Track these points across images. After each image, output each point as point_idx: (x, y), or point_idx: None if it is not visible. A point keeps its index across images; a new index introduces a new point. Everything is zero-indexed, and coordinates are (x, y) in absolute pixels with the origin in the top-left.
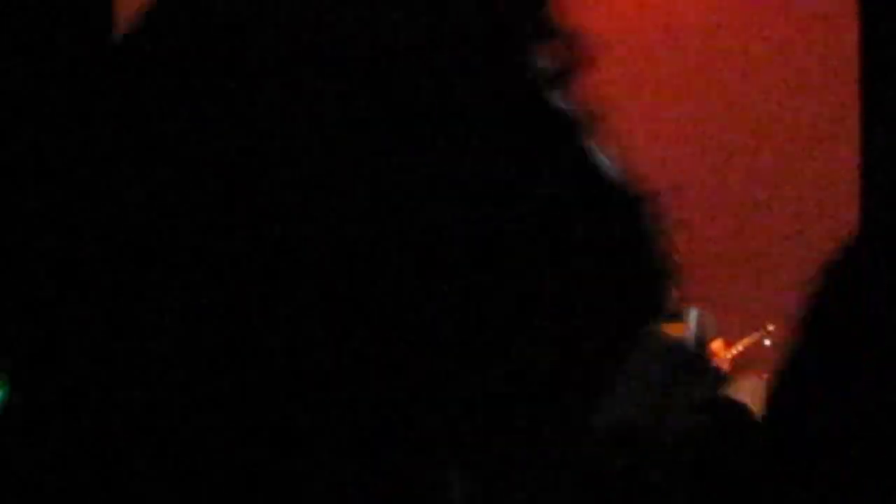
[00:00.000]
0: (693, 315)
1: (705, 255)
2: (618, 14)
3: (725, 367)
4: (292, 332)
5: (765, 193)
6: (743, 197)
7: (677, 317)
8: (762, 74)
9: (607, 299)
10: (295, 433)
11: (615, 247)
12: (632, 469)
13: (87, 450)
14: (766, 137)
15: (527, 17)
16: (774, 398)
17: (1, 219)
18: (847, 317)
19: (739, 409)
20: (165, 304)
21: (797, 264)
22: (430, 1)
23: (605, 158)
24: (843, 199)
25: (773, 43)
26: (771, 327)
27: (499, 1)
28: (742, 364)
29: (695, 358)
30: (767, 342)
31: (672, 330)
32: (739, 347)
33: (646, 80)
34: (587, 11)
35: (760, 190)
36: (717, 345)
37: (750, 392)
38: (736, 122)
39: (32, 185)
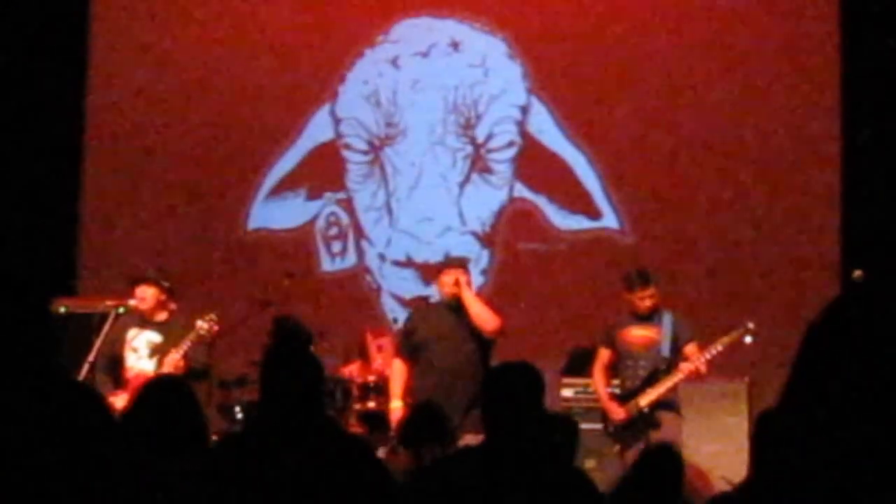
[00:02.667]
0: (668, 318)
1: (685, 262)
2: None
3: (703, 368)
4: None
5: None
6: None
7: (652, 319)
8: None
9: None
10: None
11: None
12: None
13: None
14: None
15: None
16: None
17: None
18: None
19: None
20: None
21: (775, 272)
22: None
23: None
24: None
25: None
26: (751, 325)
27: None
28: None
29: None
30: (749, 339)
31: (646, 332)
32: (719, 347)
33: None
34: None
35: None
36: (691, 348)
37: (667, 429)
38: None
39: None
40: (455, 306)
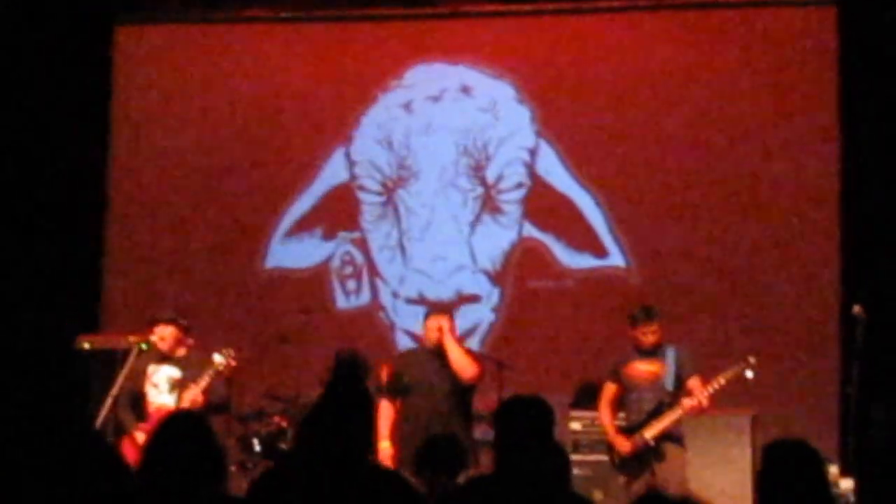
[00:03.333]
0: (671, 353)
1: (688, 298)
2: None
3: (706, 402)
4: None
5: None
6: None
7: (656, 354)
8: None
9: None
10: None
11: None
12: None
13: None
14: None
15: None
16: None
17: None
18: None
19: None
20: None
21: (775, 309)
22: None
23: None
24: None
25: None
26: (752, 359)
27: None
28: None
29: None
30: (750, 374)
31: (650, 367)
32: (721, 381)
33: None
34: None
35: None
36: (694, 382)
37: (672, 461)
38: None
39: None
40: (438, 353)
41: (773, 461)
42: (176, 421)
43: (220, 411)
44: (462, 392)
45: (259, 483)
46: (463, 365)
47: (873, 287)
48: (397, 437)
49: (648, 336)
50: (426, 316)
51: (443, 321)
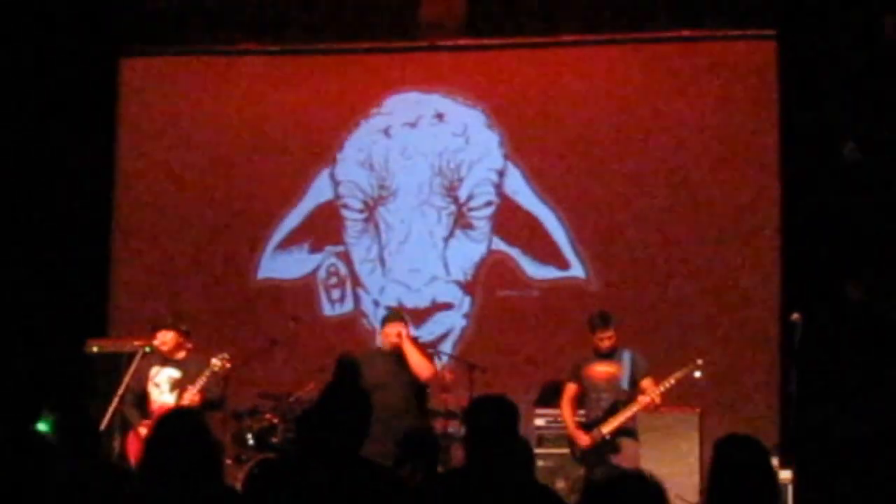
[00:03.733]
0: (627, 356)
1: (642, 306)
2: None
3: (658, 399)
4: None
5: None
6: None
7: (613, 356)
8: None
9: None
10: None
11: None
12: None
13: None
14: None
15: None
16: None
17: None
18: None
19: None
20: None
21: (722, 315)
22: None
23: None
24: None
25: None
26: (700, 361)
27: None
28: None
29: None
30: (698, 374)
31: (608, 368)
32: (672, 381)
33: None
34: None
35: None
36: (647, 382)
37: (627, 453)
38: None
39: None
40: (396, 355)
41: (724, 454)
42: (174, 418)
43: (215, 409)
44: (418, 389)
45: (257, 474)
46: (422, 366)
47: (810, 296)
48: None
49: (605, 341)
50: (383, 322)
51: (401, 328)
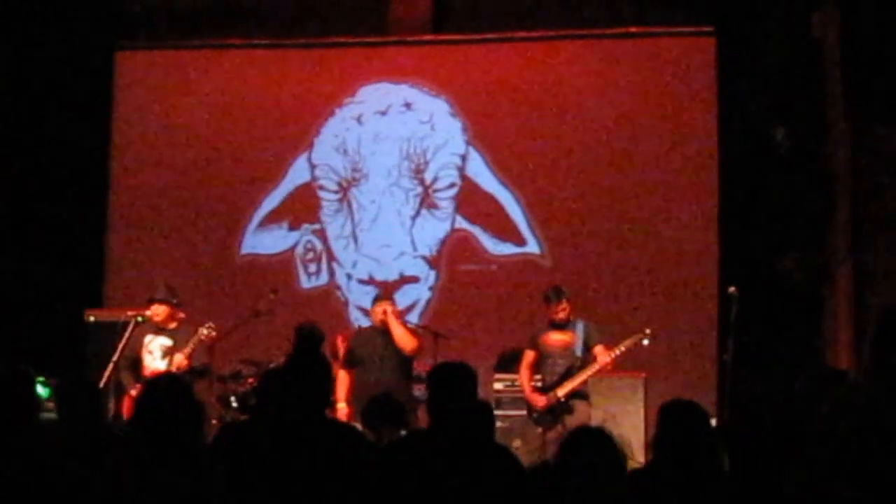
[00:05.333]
0: (580, 326)
1: (593, 279)
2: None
3: (609, 364)
4: None
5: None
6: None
7: (567, 326)
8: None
9: None
10: None
11: None
12: None
13: None
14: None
15: None
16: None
17: None
18: None
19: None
20: None
21: (665, 288)
22: None
23: None
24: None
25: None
26: (648, 330)
27: None
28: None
29: None
30: (646, 342)
31: (562, 337)
32: (622, 348)
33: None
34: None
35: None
36: (599, 349)
37: (579, 414)
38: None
39: None
40: (383, 331)
41: (670, 417)
42: (161, 382)
43: (202, 375)
44: (404, 362)
45: (224, 434)
46: (406, 341)
47: (745, 271)
48: (353, 400)
49: (559, 313)
50: (373, 301)
51: (387, 306)
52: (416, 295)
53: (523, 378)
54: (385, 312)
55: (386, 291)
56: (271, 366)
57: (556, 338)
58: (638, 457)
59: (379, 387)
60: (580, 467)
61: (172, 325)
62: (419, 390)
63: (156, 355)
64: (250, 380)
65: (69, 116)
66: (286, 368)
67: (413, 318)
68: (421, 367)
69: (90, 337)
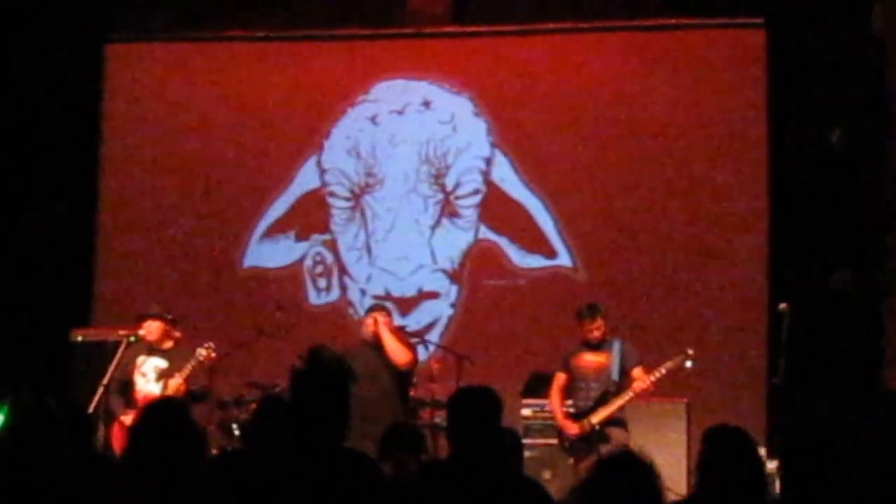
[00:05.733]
0: (617, 346)
1: (631, 295)
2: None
3: (650, 388)
4: None
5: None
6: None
7: (602, 347)
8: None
9: None
10: None
11: None
12: None
13: None
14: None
15: None
16: None
17: None
18: None
19: None
20: None
21: (710, 305)
22: None
23: None
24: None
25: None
26: (690, 351)
27: None
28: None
29: None
30: (689, 364)
31: (597, 358)
32: (662, 370)
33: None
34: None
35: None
36: (638, 371)
37: (616, 443)
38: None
39: None
40: (375, 345)
41: (714, 445)
42: (159, 407)
43: (200, 399)
44: (400, 377)
45: (217, 464)
46: (398, 353)
47: (798, 286)
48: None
49: (593, 332)
50: (365, 313)
51: (378, 315)
52: (437, 312)
53: (554, 403)
54: (375, 322)
55: (380, 303)
56: (276, 390)
57: (589, 359)
58: (679, 489)
59: (373, 405)
60: (612, 497)
61: (167, 345)
62: (440, 416)
63: (149, 378)
64: (254, 405)
65: (55, 116)
66: (297, 394)
67: (433, 337)
68: (442, 392)
69: (77, 358)
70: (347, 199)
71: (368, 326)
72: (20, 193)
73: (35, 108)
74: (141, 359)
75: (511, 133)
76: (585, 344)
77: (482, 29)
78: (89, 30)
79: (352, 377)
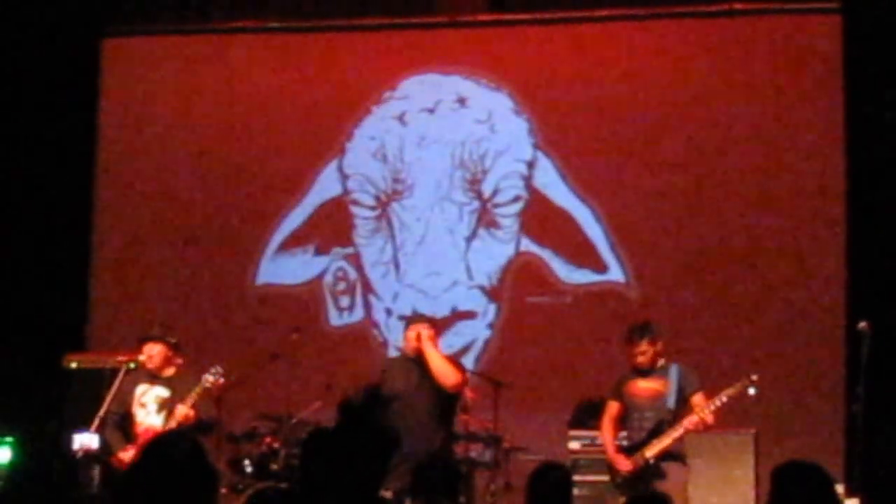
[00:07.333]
0: (674, 371)
1: (691, 314)
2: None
3: (709, 419)
4: None
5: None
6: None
7: (656, 372)
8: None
9: None
10: None
11: None
12: None
13: None
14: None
15: None
16: None
17: None
18: None
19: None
20: None
21: (779, 325)
22: None
23: None
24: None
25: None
26: (754, 377)
27: None
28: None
29: None
30: (752, 391)
31: (652, 385)
32: (723, 398)
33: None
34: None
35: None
36: (698, 399)
37: (674, 480)
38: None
39: None
40: (418, 361)
41: (784, 484)
42: (166, 441)
43: (207, 431)
44: (444, 400)
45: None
46: (445, 373)
47: (880, 303)
48: None
49: (640, 356)
50: (406, 326)
51: (421, 328)
52: (472, 334)
53: (605, 435)
54: (419, 336)
55: (420, 315)
56: (292, 422)
57: (643, 386)
58: None
59: (412, 431)
60: None
61: (169, 372)
62: (475, 450)
63: (150, 409)
64: (268, 439)
65: (49, 115)
66: (339, 437)
67: (468, 362)
68: (476, 424)
69: (71, 386)
70: (372, 208)
71: (410, 341)
72: (15, 194)
73: (26, 105)
74: (141, 388)
75: (556, 133)
76: (634, 369)
77: (523, 16)
78: (84, 23)
79: (391, 398)
